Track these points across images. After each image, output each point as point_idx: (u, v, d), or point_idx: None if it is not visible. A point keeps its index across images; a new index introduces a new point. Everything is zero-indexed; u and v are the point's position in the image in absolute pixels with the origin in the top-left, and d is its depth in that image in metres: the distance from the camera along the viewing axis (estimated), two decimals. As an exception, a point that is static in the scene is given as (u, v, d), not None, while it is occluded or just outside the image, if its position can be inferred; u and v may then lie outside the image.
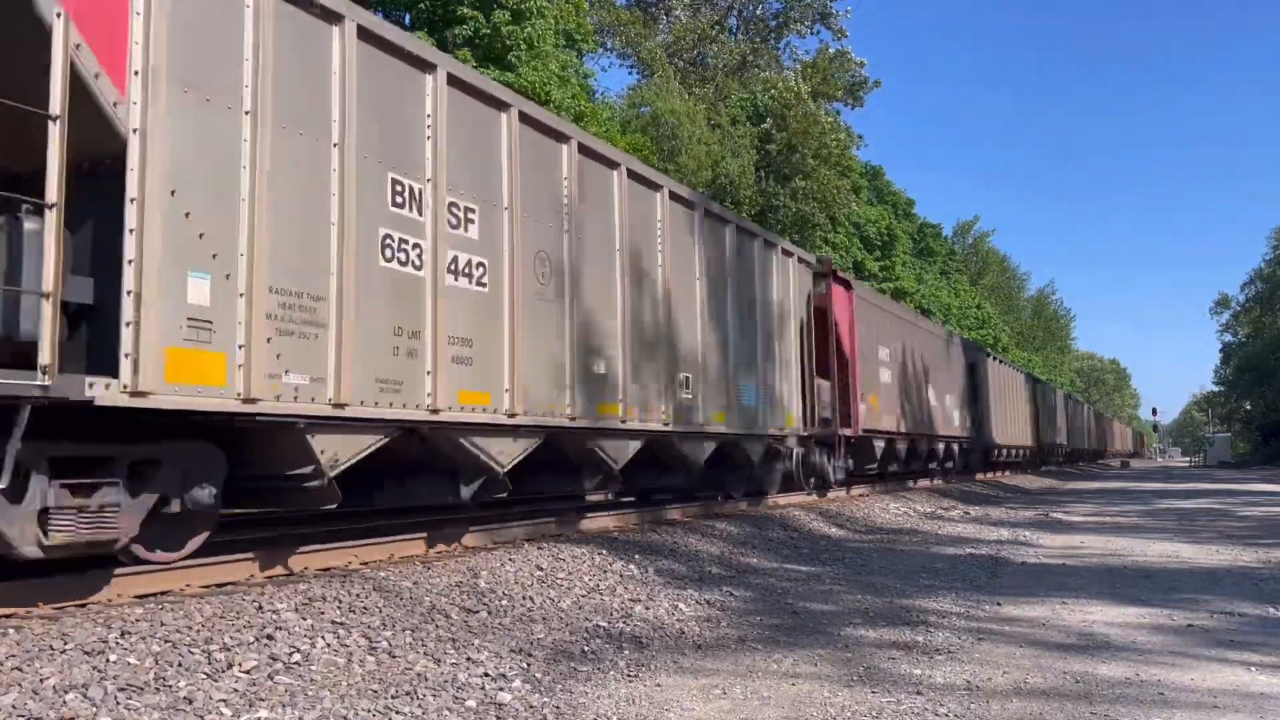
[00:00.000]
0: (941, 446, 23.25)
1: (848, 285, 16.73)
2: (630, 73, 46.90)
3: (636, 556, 8.27)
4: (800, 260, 14.74)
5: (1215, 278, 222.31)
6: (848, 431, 15.77)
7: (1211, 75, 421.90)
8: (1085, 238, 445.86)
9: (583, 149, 9.26)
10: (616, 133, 25.28)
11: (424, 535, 7.84)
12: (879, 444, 17.75)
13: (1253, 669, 5.22)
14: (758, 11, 41.98)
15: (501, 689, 4.60)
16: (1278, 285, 75.33)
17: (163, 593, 5.57)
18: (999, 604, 7.35)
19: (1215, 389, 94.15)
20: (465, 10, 19.90)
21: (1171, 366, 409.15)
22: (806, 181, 33.04)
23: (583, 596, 6.81)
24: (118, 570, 5.54)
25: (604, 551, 8.13)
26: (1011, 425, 31.89)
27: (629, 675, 5.05)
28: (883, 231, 46.30)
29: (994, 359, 31.02)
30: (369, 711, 4.13)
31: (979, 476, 28.46)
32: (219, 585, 5.88)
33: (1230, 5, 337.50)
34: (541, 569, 7.24)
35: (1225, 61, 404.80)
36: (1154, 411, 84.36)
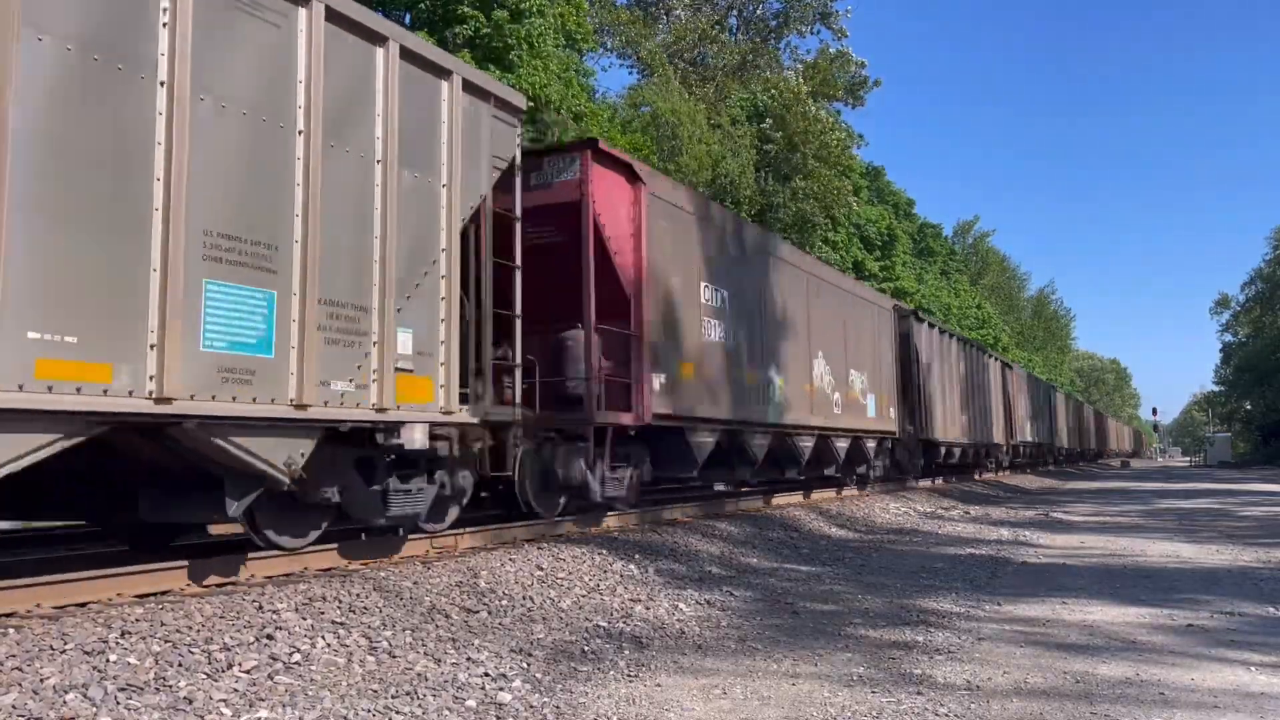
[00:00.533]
0: (844, 445, 16.23)
1: (631, 174, 10.01)
2: (630, 73, 46.90)
3: (636, 556, 8.27)
4: (479, 93, 7.87)
5: (1215, 278, 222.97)
6: (626, 418, 9.67)
7: (1211, 76, 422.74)
8: (1085, 238, 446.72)
9: None
10: (617, 133, 25.27)
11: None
12: (703, 440, 11.14)
13: (1253, 669, 5.22)
14: (758, 11, 41.96)
15: (501, 689, 4.60)
16: (1278, 285, 75.33)
17: (163, 592, 5.58)
18: (999, 604, 7.35)
19: (1215, 389, 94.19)
20: (465, 10, 19.92)
21: (1171, 366, 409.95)
22: (806, 181, 33.07)
23: (583, 596, 6.81)
24: (111, 570, 5.53)
25: (604, 551, 8.13)
26: (970, 419, 24.98)
27: (629, 675, 5.05)
28: (883, 231, 46.27)
29: (938, 330, 22.58)
30: (369, 711, 4.13)
31: (979, 477, 28.45)
32: (219, 585, 5.89)
33: (1231, 5, 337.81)
34: (541, 569, 7.24)
35: (1226, 62, 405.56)
36: (1154, 411, 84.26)
